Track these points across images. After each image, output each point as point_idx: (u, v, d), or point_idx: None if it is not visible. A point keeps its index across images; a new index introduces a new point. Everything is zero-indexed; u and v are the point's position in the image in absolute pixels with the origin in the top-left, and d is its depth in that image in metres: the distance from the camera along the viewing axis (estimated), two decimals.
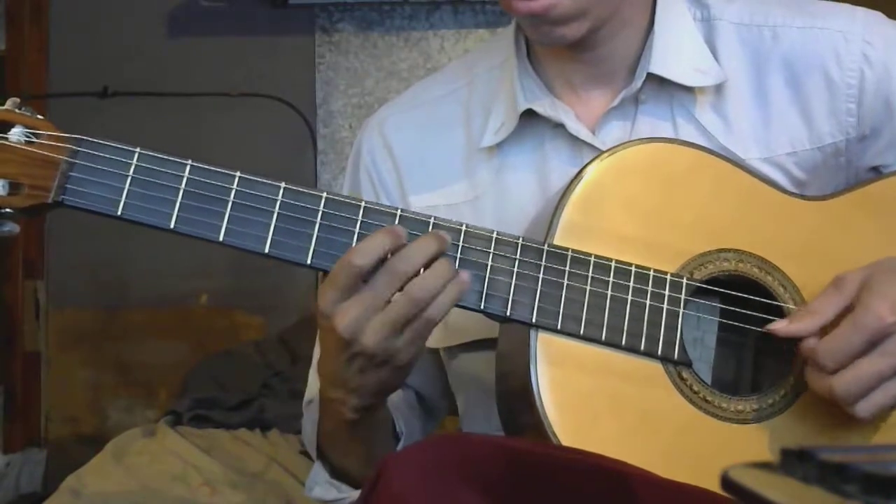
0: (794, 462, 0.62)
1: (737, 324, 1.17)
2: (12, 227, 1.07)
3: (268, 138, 3.23)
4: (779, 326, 1.12)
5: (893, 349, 1.07)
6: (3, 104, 1.08)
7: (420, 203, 1.30)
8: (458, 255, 1.11)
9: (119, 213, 1.07)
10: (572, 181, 1.16)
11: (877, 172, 1.27)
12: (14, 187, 1.05)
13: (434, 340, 1.31)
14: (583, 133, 1.26)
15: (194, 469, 2.28)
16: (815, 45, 1.26)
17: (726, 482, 0.63)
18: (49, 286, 3.27)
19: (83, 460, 2.35)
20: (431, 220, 1.11)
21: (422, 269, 1.07)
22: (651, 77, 1.25)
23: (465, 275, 1.08)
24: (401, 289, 1.07)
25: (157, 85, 3.17)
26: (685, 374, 1.13)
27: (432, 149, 1.34)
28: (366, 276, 1.06)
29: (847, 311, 1.09)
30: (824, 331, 1.10)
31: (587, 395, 1.12)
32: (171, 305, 3.24)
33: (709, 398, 1.13)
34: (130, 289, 3.25)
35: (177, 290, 3.21)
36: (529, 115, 1.27)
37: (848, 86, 1.25)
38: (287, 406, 2.60)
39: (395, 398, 1.33)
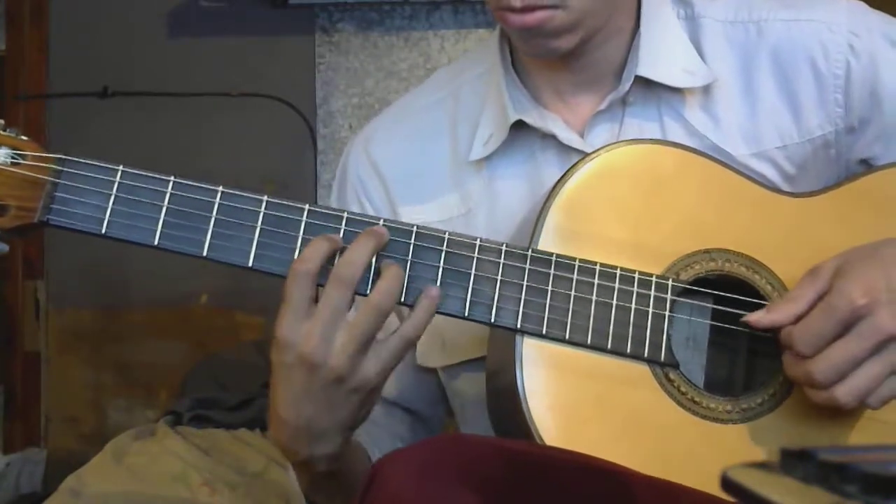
0: (794, 462, 0.62)
1: (722, 324, 1.17)
2: (2, 247, 1.09)
3: (268, 138, 3.23)
4: (755, 317, 1.12)
5: (867, 331, 1.06)
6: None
7: (411, 217, 1.29)
8: (442, 264, 1.11)
9: (103, 231, 1.08)
10: (556, 185, 1.16)
11: (867, 165, 1.27)
12: (0, 209, 1.06)
13: (433, 360, 1.31)
14: (574, 141, 1.25)
15: (194, 469, 2.28)
16: (801, 36, 1.26)
17: (726, 482, 0.63)
18: (49, 286, 3.26)
19: (83, 460, 2.35)
20: (414, 229, 1.11)
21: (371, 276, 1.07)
22: (638, 79, 1.24)
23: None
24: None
25: (157, 85, 3.17)
26: (672, 376, 1.13)
27: (420, 162, 1.32)
28: (317, 291, 1.05)
29: (822, 297, 1.09)
30: (801, 319, 1.09)
31: (574, 399, 1.12)
32: (171, 305, 3.24)
33: (696, 399, 1.13)
34: (130, 289, 3.25)
35: (177, 290, 3.21)
36: (518, 126, 1.26)
37: (835, 76, 1.24)
38: None
39: (378, 432, 1.30)
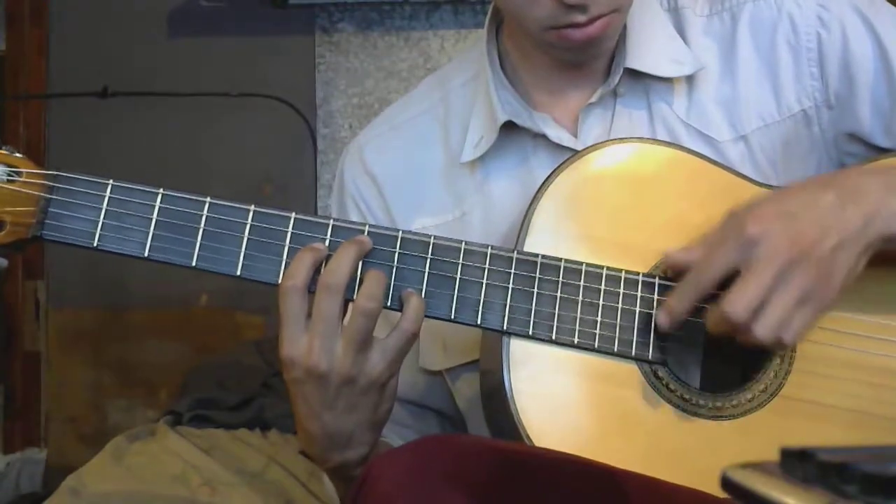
0: (794, 462, 0.62)
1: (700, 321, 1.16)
2: (1, 262, 1.11)
3: (268, 138, 3.23)
4: (673, 253, 1.13)
5: (762, 257, 1.06)
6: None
7: (408, 225, 1.30)
8: (428, 269, 1.12)
9: (95, 244, 1.10)
10: (542, 185, 1.17)
11: (856, 140, 1.27)
12: None
13: (434, 363, 1.31)
14: (565, 139, 1.25)
15: (194, 469, 2.27)
16: (770, 14, 1.27)
17: (726, 482, 0.63)
18: (49, 286, 3.27)
19: (83, 460, 2.35)
20: (399, 235, 1.12)
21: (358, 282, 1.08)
22: (627, 71, 1.25)
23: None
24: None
25: (157, 85, 3.17)
26: (661, 374, 1.13)
27: (414, 169, 1.33)
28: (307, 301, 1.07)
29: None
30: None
31: (562, 398, 1.12)
32: (171, 305, 3.24)
33: (686, 396, 1.13)
34: (130, 289, 3.25)
35: (177, 290, 3.21)
36: (509, 127, 1.27)
37: (808, 50, 1.25)
38: (287, 406, 2.59)
39: (409, 434, 1.32)
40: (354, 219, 1.34)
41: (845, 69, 1.25)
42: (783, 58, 1.26)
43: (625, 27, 1.25)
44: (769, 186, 1.21)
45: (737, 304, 1.06)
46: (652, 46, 1.26)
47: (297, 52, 3.25)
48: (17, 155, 1.11)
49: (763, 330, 1.06)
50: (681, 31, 1.28)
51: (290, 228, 1.11)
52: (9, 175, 1.09)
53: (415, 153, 1.34)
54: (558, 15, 1.16)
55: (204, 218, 1.10)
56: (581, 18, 1.16)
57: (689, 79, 1.26)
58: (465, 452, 1.00)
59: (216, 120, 3.22)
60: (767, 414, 1.14)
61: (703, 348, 1.19)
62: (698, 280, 1.10)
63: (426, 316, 1.11)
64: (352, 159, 1.37)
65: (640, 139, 1.21)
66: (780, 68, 1.26)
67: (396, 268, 1.11)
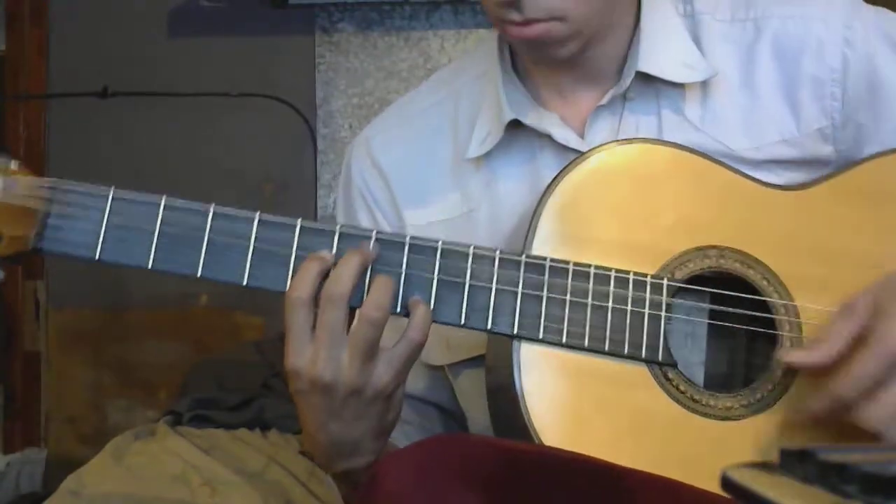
0: (794, 462, 0.62)
1: (720, 322, 1.16)
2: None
3: (268, 138, 3.23)
4: (790, 356, 1.10)
5: None
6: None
7: (415, 219, 1.29)
8: (437, 275, 1.11)
9: (97, 256, 1.07)
10: (548, 188, 1.16)
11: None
12: None
13: (437, 358, 1.31)
14: (571, 140, 1.25)
15: (194, 469, 2.27)
16: (796, 32, 1.26)
17: (726, 482, 0.63)
18: (49, 286, 3.27)
19: (83, 460, 2.35)
20: (407, 241, 1.11)
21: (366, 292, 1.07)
22: (638, 74, 1.25)
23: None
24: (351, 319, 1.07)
25: (157, 85, 3.17)
26: (671, 375, 1.13)
27: (422, 164, 1.33)
28: (314, 312, 1.06)
29: (861, 337, 1.06)
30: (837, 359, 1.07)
31: (573, 401, 1.12)
32: (171, 306, 3.24)
33: (696, 397, 1.13)
34: (130, 289, 3.25)
35: (177, 290, 3.21)
36: (516, 126, 1.26)
37: (832, 70, 1.25)
38: (287, 406, 2.60)
39: (412, 431, 1.32)
40: (360, 210, 1.34)
41: (870, 89, 1.25)
42: (804, 76, 1.25)
43: (638, 31, 1.25)
44: (775, 186, 1.21)
45: (875, 415, 1.04)
46: (664, 50, 1.25)
47: (297, 52, 3.25)
48: (13, 164, 1.07)
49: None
50: (697, 37, 1.28)
51: (296, 236, 1.09)
52: (5, 186, 1.05)
53: (422, 147, 1.33)
54: (496, 10, 1.19)
55: (208, 228, 1.08)
56: (516, 17, 1.17)
57: (704, 85, 1.26)
58: (472, 452, 1.00)
59: (216, 120, 3.22)
60: (777, 413, 1.13)
61: (707, 348, 1.19)
62: (839, 394, 1.05)
63: (436, 321, 1.10)
64: (359, 152, 1.36)
65: (644, 139, 1.21)
66: (801, 86, 1.25)
67: (405, 274, 1.10)
